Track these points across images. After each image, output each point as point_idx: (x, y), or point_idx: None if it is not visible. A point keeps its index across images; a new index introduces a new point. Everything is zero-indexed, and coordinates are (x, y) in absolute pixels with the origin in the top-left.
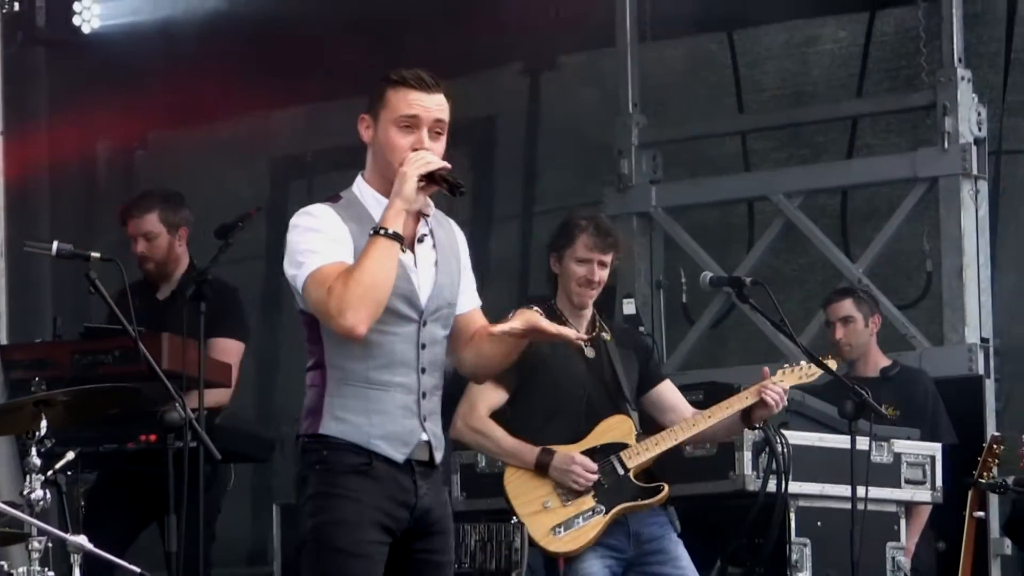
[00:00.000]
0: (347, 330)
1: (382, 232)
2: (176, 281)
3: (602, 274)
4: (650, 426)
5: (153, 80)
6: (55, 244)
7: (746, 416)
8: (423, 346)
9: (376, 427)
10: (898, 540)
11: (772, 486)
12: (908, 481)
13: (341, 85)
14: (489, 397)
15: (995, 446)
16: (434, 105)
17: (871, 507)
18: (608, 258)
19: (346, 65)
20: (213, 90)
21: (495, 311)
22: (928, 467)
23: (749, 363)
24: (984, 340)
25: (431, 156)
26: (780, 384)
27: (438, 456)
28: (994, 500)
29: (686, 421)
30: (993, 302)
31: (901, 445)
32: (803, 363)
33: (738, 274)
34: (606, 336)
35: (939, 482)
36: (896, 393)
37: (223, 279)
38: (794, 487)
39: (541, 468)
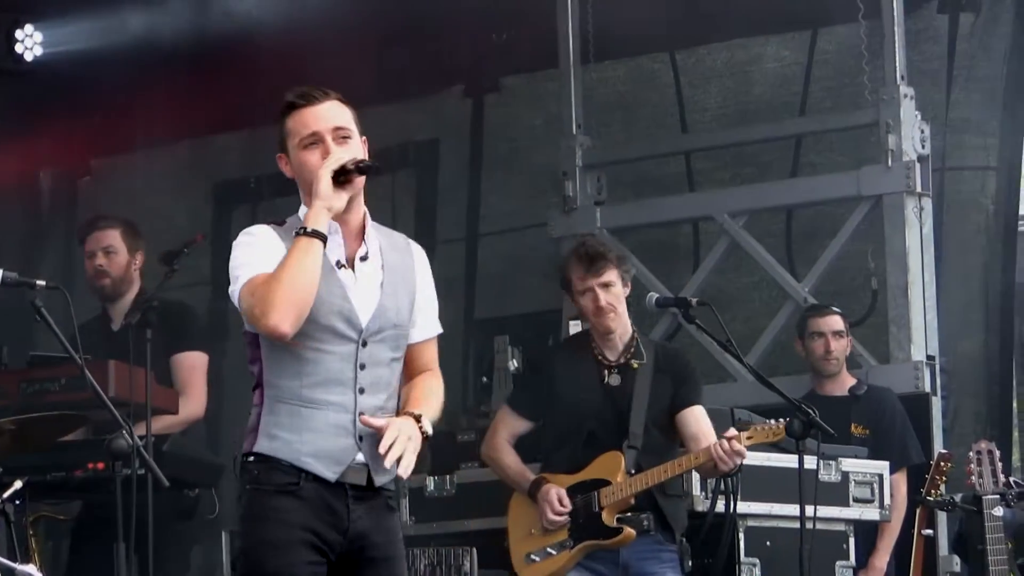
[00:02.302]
0: (271, 329)
1: (302, 231)
2: (127, 304)
3: (608, 296)
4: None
5: (95, 107)
6: (0, 272)
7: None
8: (362, 366)
9: (307, 444)
10: (847, 559)
11: (721, 506)
12: (856, 500)
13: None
14: (511, 424)
15: (942, 463)
16: (328, 114)
17: (820, 526)
18: (606, 278)
19: (286, 88)
20: (155, 116)
21: (441, 334)
22: (876, 485)
23: None
24: (930, 357)
25: (340, 152)
26: (735, 444)
27: (379, 479)
28: (942, 517)
29: (656, 470)
30: (938, 319)
31: (849, 464)
32: (774, 423)
33: (684, 294)
34: (635, 364)
35: (887, 500)
36: (865, 412)
37: (169, 298)
38: (743, 507)
39: (531, 497)
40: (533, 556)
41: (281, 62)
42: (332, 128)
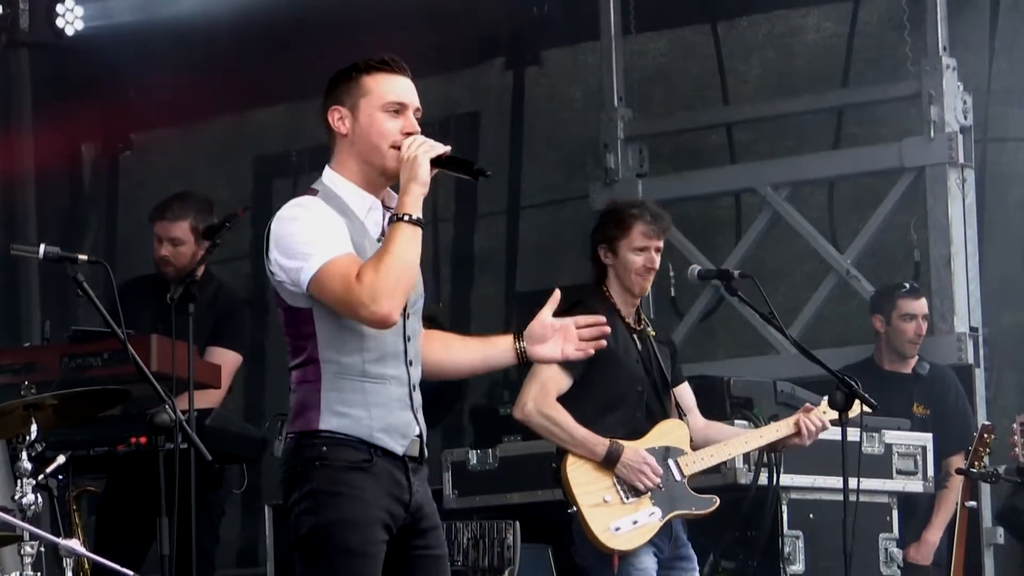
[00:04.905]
0: (382, 318)
1: (406, 219)
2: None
3: (658, 260)
4: None
5: (136, 81)
6: (42, 247)
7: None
8: (408, 338)
9: (377, 420)
10: (891, 531)
11: (764, 479)
12: (900, 472)
13: (323, 82)
14: (559, 382)
15: (986, 435)
16: (412, 89)
17: (863, 498)
18: (662, 243)
19: (327, 62)
20: (196, 90)
21: (481, 307)
22: (919, 457)
23: (738, 356)
24: (973, 329)
25: (431, 140)
26: (822, 417)
27: (426, 451)
28: (986, 489)
29: (739, 439)
30: (981, 290)
31: (892, 436)
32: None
33: (726, 267)
34: (651, 331)
35: (931, 472)
36: (928, 392)
37: (235, 291)
38: (786, 479)
39: (609, 462)
40: (618, 526)
41: (322, 36)
42: (416, 107)
